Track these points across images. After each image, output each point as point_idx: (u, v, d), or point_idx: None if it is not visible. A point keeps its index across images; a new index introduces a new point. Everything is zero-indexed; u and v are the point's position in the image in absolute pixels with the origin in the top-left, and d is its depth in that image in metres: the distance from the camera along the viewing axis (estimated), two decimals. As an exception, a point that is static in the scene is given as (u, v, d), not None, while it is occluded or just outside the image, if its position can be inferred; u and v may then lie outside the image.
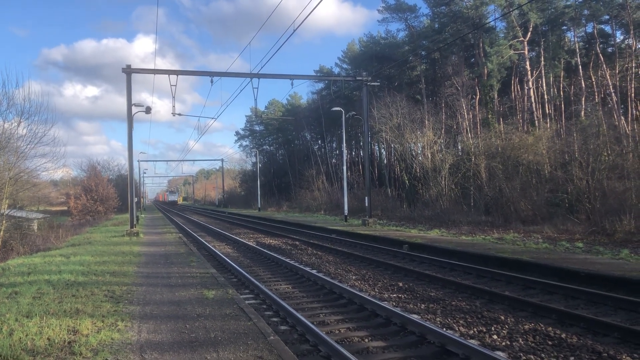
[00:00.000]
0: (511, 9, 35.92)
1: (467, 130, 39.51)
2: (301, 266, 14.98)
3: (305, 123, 68.45)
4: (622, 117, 33.66)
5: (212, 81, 26.81)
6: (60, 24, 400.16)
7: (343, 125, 35.42)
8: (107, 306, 9.08)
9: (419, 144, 38.92)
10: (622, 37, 39.84)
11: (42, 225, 40.89)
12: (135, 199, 34.38)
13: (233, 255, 19.20)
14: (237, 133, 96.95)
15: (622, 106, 36.13)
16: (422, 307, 9.88)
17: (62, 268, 13.93)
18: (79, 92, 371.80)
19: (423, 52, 48.39)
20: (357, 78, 30.70)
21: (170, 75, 26.17)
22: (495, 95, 42.41)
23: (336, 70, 63.69)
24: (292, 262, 16.10)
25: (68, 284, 11.38)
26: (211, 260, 17.50)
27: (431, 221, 29.98)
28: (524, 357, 6.82)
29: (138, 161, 70.44)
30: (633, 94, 34.79)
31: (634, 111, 34.93)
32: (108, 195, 61.36)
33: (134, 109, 26.93)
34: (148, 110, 27.94)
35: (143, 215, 59.15)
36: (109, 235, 27.63)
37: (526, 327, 8.20)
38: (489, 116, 41.01)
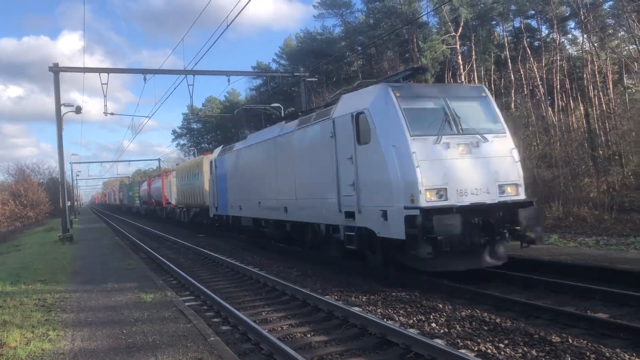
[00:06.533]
0: (442, 4, 36.83)
1: (404, 123, 40.14)
2: (243, 265, 14.82)
3: (245, 119, 67.70)
4: (550, 108, 35.13)
5: (145, 79, 25.95)
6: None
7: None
8: (38, 315, 8.68)
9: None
10: (547, 32, 41.68)
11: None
12: (69, 203, 33.03)
13: (172, 257, 18.74)
14: (174, 132, 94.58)
15: (549, 97, 37.73)
16: (363, 300, 9.97)
17: (-12, 278, 13.21)
18: (1, 92, 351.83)
19: (359, 48, 48.79)
20: (295, 74, 30.64)
21: (101, 74, 25.25)
22: (430, 90, 43.28)
23: (274, 66, 63.21)
24: (233, 261, 15.91)
25: (-6, 294, 10.81)
26: (149, 263, 17.04)
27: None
28: (462, 343, 6.99)
29: (70, 163, 67.74)
30: (558, 86, 36.38)
31: (560, 102, 36.55)
32: (39, 200, 58.72)
33: (64, 109, 25.89)
34: (78, 110, 26.92)
35: (77, 219, 57.02)
36: (41, 241, 26.46)
37: (463, 314, 8.41)
38: (425, 110, 41.83)
